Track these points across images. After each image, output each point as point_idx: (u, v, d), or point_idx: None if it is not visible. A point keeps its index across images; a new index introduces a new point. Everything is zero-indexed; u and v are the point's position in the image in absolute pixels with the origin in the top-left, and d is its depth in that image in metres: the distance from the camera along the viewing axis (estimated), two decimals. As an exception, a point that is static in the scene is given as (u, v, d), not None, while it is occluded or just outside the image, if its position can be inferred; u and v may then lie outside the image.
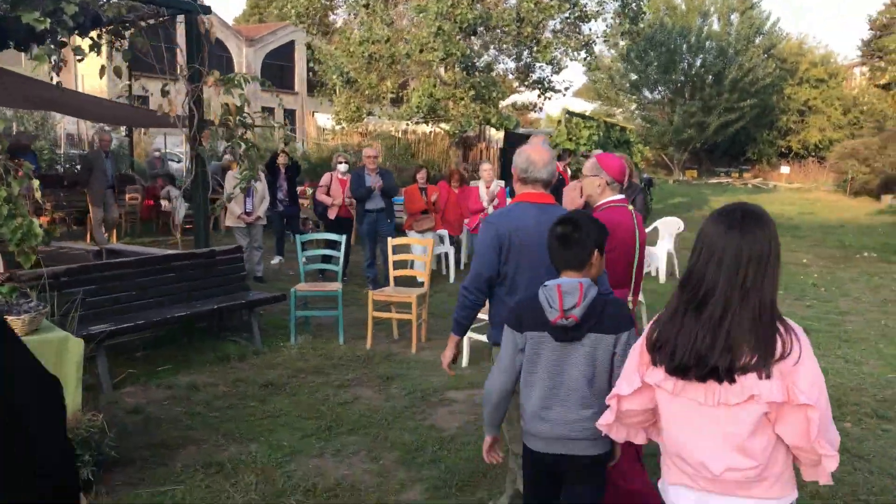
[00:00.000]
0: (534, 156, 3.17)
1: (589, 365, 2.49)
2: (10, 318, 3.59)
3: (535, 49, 14.79)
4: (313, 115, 32.83)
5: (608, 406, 2.18)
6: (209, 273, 6.54)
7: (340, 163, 9.63)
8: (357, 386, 5.55)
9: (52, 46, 5.99)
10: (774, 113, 38.62)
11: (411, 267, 7.69)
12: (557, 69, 15.69)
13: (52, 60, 6.05)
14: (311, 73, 21.81)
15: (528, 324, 2.55)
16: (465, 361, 6.05)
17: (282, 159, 11.45)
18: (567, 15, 14.71)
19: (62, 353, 3.72)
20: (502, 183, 10.52)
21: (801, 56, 40.27)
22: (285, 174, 10.63)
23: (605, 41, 15.23)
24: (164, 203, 13.12)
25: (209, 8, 6.66)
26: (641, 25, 15.49)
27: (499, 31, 14.44)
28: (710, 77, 36.16)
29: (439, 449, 4.40)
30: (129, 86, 11.43)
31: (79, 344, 3.77)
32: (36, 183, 5.35)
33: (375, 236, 8.89)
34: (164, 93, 6.74)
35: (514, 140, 17.42)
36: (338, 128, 17.50)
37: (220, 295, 6.53)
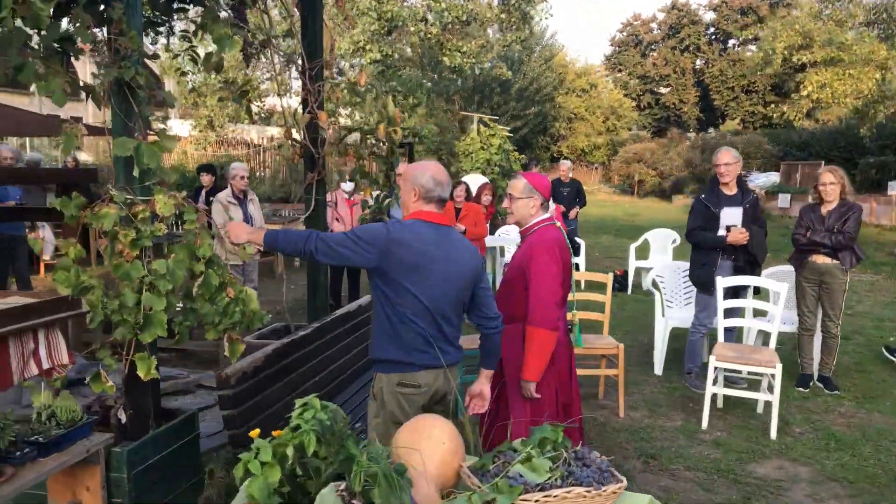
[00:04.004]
0: (440, 176, 2.99)
1: None
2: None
3: (441, 52, 13.75)
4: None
5: None
6: (362, 337, 4.87)
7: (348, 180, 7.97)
8: (661, 473, 4.35)
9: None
10: (548, 120, 40.93)
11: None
12: (459, 75, 14.77)
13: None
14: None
15: None
16: (705, 423, 5.07)
17: (206, 179, 9.39)
18: (464, 17, 13.83)
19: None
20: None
21: (565, 67, 43.18)
22: (207, 196, 8.63)
23: (505, 47, 14.55)
24: (30, 234, 10.13)
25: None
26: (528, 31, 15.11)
27: (406, 30, 13.18)
28: (497, 85, 37.24)
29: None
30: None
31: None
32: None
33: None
34: (245, 89, 4.90)
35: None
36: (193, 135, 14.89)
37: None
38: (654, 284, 6.45)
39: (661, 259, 10.06)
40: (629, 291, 9.99)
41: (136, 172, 3.08)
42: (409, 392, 2.93)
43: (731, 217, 5.53)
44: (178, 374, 6.01)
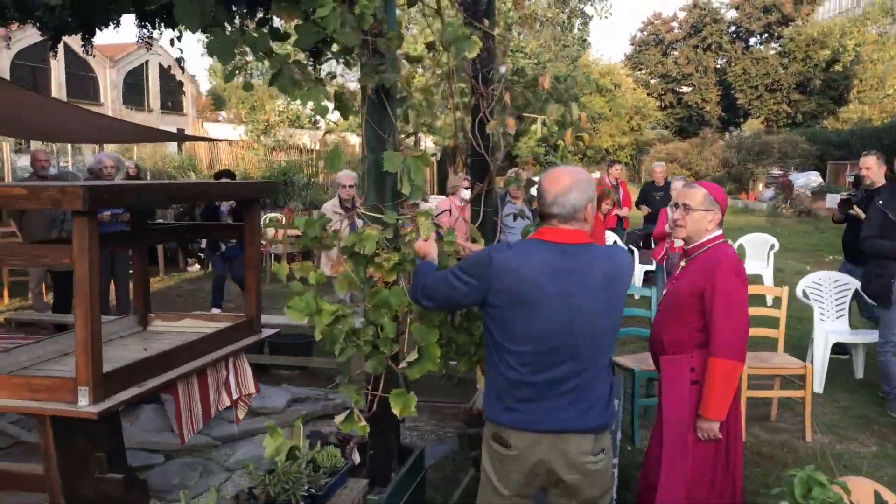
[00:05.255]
0: (550, 185, 2.43)
1: None
2: None
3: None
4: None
5: None
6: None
7: (465, 187, 7.50)
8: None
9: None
10: (572, 119, 40.58)
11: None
12: (521, 77, 14.49)
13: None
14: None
15: None
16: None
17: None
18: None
19: None
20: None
21: (588, 67, 42.85)
22: (230, 206, 8.16)
23: (565, 46, 14.25)
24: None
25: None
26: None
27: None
28: (523, 85, 36.94)
29: None
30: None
31: None
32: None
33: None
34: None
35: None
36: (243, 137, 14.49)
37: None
38: (805, 294, 6.10)
39: (758, 266, 9.74)
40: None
41: (406, 189, 2.75)
42: (499, 449, 2.45)
43: None
44: (315, 393, 5.70)
